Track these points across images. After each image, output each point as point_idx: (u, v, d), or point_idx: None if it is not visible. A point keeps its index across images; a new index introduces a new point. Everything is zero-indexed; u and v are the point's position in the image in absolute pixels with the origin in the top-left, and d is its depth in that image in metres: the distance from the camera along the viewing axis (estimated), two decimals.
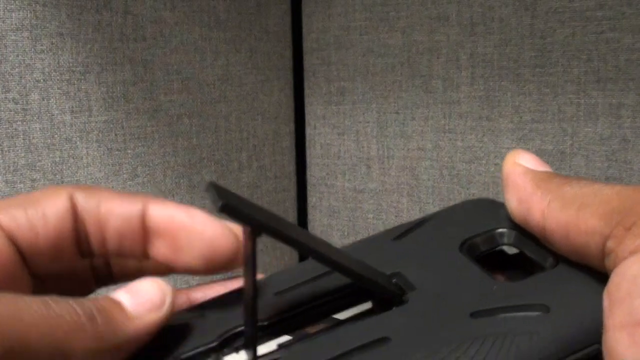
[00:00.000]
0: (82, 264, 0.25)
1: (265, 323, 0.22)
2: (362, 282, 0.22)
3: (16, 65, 0.52)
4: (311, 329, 0.22)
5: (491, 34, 0.65)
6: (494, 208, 0.25)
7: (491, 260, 0.24)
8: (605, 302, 0.18)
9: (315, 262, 0.22)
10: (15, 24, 0.52)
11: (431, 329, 0.20)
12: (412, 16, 0.69)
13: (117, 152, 0.60)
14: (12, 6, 0.52)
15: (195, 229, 0.23)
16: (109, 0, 0.58)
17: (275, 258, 0.78)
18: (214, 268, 0.23)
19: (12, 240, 0.22)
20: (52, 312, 0.18)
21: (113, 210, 0.23)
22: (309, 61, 0.77)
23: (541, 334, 0.19)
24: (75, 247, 0.23)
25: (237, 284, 0.24)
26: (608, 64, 0.60)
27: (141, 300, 0.21)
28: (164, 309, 0.21)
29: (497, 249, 0.24)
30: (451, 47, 0.67)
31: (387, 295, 0.22)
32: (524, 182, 0.22)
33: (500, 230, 0.24)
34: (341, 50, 0.75)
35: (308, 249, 0.20)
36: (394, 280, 0.23)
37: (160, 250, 0.23)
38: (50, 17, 0.54)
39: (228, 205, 0.18)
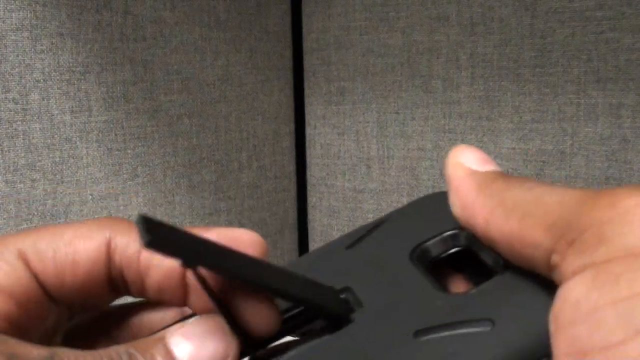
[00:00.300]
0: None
1: None
2: (307, 306, 0.22)
3: (16, 65, 0.52)
4: (264, 351, 0.22)
5: (491, 34, 0.65)
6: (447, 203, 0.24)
7: (449, 258, 0.24)
8: (551, 327, 0.17)
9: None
10: (15, 24, 0.52)
11: (375, 353, 0.20)
12: (412, 16, 0.69)
13: (117, 152, 0.60)
14: (12, 6, 0.52)
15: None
16: (109, 0, 0.58)
17: (275, 257, 0.79)
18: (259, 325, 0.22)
19: (37, 279, 0.21)
20: None
21: (152, 262, 0.22)
22: (309, 61, 0.77)
23: (485, 353, 0.19)
24: (107, 289, 0.22)
25: None
26: (608, 64, 0.60)
27: (194, 345, 0.19)
28: None
29: (450, 251, 0.24)
30: (451, 47, 0.67)
31: (333, 316, 0.22)
32: (466, 187, 0.21)
33: (451, 232, 0.23)
34: (341, 50, 0.75)
35: (246, 277, 0.20)
36: (343, 296, 0.22)
37: (199, 304, 0.22)
38: (50, 17, 0.54)
39: (153, 241, 0.18)
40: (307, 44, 0.77)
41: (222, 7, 0.68)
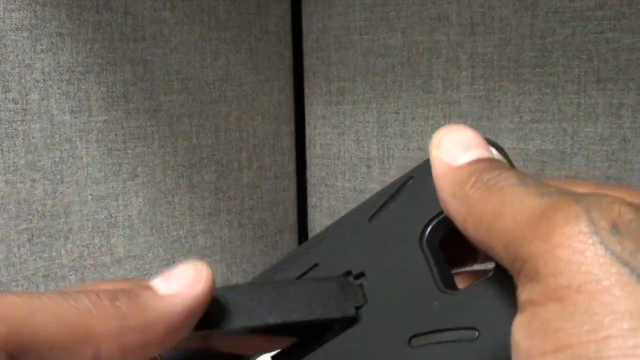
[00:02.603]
0: None
1: None
2: (314, 325, 0.23)
3: (16, 65, 0.52)
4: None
5: (491, 34, 0.65)
6: None
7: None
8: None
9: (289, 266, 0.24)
10: (15, 24, 0.52)
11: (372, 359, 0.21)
12: (412, 16, 0.69)
13: (117, 152, 0.60)
14: (12, 6, 0.52)
15: None
16: (109, 0, 0.58)
17: (275, 258, 0.78)
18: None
19: None
20: (68, 302, 0.18)
21: None
22: (309, 61, 0.77)
23: None
24: None
25: None
26: (608, 64, 0.60)
27: (173, 280, 0.21)
28: (201, 286, 0.20)
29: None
30: (451, 47, 0.67)
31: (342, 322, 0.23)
32: (443, 188, 0.20)
33: None
34: (341, 50, 0.75)
35: (246, 329, 0.22)
36: (359, 282, 0.23)
37: None
38: (50, 17, 0.54)
39: None
40: (307, 44, 0.77)
41: (222, 7, 0.68)
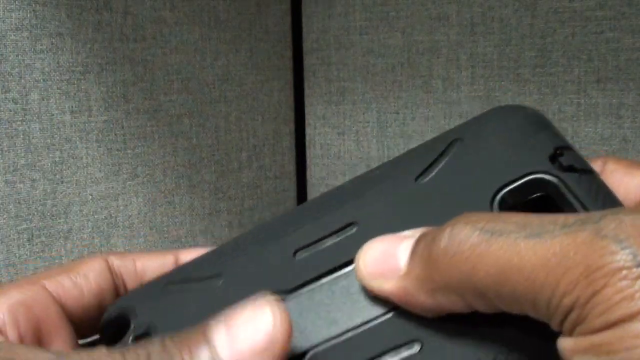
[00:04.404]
0: None
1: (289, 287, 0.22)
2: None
3: (16, 65, 0.52)
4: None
5: (491, 34, 0.65)
6: (536, 127, 0.21)
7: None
8: None
9: (335, 212, 0.23)
10: (15, 24, 0.52)
11: (460, 335, 0.19)
12: (412, 16, 0.69)
13: (117, 152, 0.60)
14: (12, 6, 0.52)
15: None
16: (109, 0, 0.58)
17: None
18: None
19: (58, 300, 0.24)
20: None
21: (148, 265, 0.27)
22: (309, 61, 0.77)
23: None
24: (115, 297, 0.26)
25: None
26: (608, 64, 0.60)
27: (239, 338, 0.17)
28: (274, 351, 0.16)
29: (532, 196, 0.21)
30: (451, 47, 0.67)
31: None
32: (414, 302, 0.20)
33: (540, 176, 0.21)
34: (341, 50, 0.75)
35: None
36: None
37: None
38: (50, 17, 0.54)
39: None
40: (307, 44, 0.77)
41: (222, 7, 0.68)
